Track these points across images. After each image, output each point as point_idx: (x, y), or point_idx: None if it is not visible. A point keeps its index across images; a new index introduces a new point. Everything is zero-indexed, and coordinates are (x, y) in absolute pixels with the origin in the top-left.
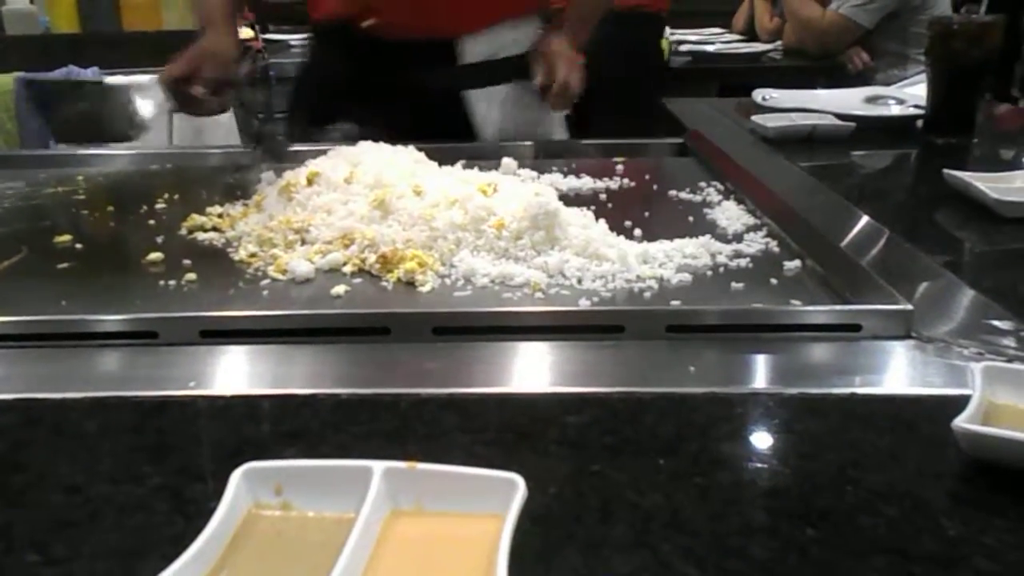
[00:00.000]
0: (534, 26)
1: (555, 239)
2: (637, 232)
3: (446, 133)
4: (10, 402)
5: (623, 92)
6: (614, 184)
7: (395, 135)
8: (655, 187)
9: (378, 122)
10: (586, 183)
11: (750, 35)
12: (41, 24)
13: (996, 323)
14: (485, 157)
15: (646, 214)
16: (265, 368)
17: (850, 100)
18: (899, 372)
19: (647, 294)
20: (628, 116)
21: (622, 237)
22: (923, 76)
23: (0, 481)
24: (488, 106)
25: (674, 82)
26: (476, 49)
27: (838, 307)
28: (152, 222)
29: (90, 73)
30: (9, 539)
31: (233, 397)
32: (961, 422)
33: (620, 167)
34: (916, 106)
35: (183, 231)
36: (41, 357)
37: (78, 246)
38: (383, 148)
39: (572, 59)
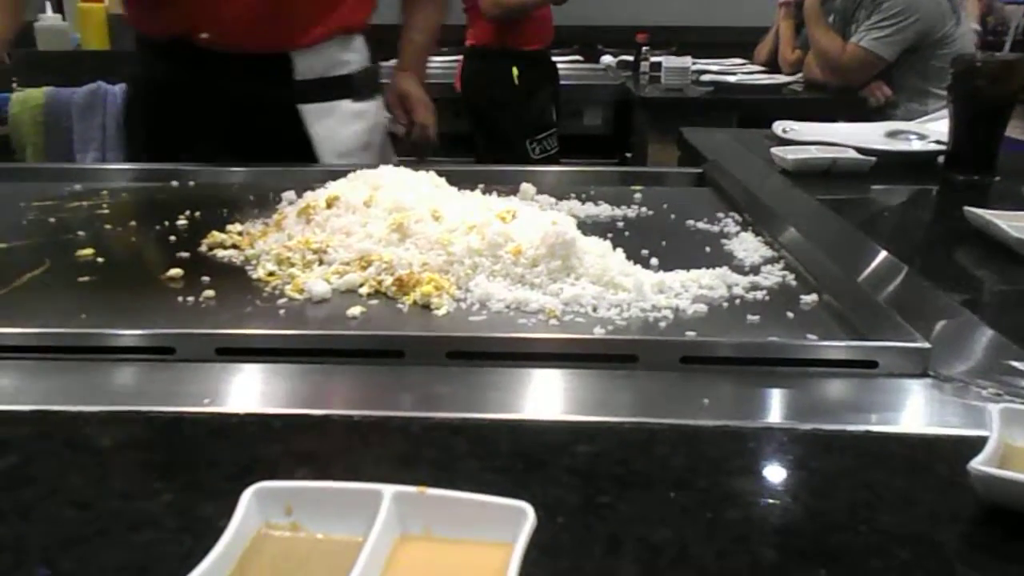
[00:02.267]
0: (361, 44)
1: (571, 268)
2: (654, 261)
3: (284, 150)
4: (25, 414)
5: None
6: (632, 213)
7: (232, 151)
8: (672, 216)
9: (215, 138)
10: (604, 211)
11: (772, 67)
12: (72, 41)
13: (1015, 364)
14: (503, 182)
15: (663, 243)
16: (279, 387)
17: (871, 134)
18: (915, 411)
19: (662, 324)
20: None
21: (638, 266)
22: (945, 112)
23: (11, 494)
24: (324, 122)
25: (696, 112)
26: (308, 66)
27: (854, 343)
28: (173, 238)
29: (117, 90)
30: (19, 552)
31: (247, 415)
32: (977, 464)
33: (638, 195)
34: (938, 142)
35: (203, 248)
36: (59, 369)
37: (99, 260)
38: (403, 172)
39: (427, 102)
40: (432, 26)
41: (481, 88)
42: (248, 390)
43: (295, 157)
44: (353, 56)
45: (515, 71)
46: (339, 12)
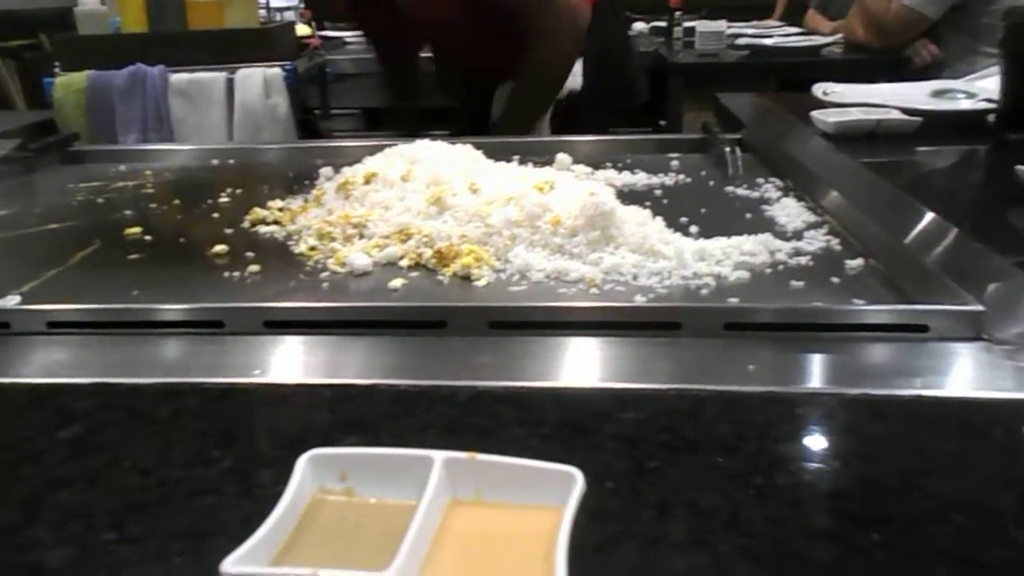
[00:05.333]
0: None
1: (610, 237)
2: (693, 229)
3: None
4: (88, 386)
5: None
6: (670, 180)
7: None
8: (711, 183)
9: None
10: (641, 179)
11: (789, 22)
12: (112, 24)
13: None
14: (539, 153)
15: (703, 211)
16: (325, 358)
17: (916, 94)
18: (968, 375)
19: (704, 291)
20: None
21: (678, 234)
22: (994, 68)
23: (78, 462)
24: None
25: (732, 77)
26: None
27: (903, 307)
28: (216, 215)
29: (156, 71)
30: (89, 517)
31: (296, 385)
32: None
33: (675, 163)
34: (987, 100)
35: (246, 224)
36: (115, 343)
37: (147, 238)
38: (440, 146)
39: None
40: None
41: None
42: (296, 361)
43: None
44: None
45: None
46: None
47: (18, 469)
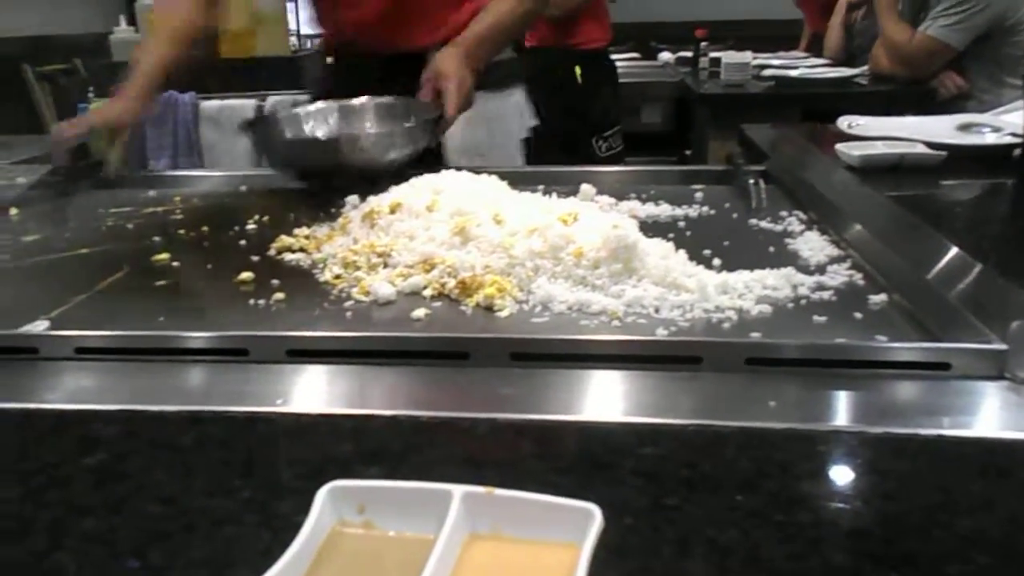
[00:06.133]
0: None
1: (633, 269)
2: (716, 262)
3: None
4: (113, 413)
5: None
6: (693, 212)
7: None
8: (735, 216)
9: None
10: (665, 210)
11: (815, 53)
12: None
13: None
14: (563, 183)
15: (726, 243)
16: (348, 388)
17: (941, 128)
18: (991, 414)
19: (726, 325)
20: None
21: (701, 267)
22: (1021, 102)
23: (102, 490)
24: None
25: (757, 107)
26: None
27: (926, 344)
28: (243, 242)
29: (187, 98)
30: (112, 544)
31: (318, 415)
32: None
33: (699, 194)
34: (1013, 134)
35: (272, 252)
36: (140, 370)
37: (175, 264)
38: (465, 176)
39: (459, 88)
40: (505, 11)
41: (544, 89)
42: (318, 391)
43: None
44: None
45: (578, 70)
46: (460, 13)
47: (44, 495)
